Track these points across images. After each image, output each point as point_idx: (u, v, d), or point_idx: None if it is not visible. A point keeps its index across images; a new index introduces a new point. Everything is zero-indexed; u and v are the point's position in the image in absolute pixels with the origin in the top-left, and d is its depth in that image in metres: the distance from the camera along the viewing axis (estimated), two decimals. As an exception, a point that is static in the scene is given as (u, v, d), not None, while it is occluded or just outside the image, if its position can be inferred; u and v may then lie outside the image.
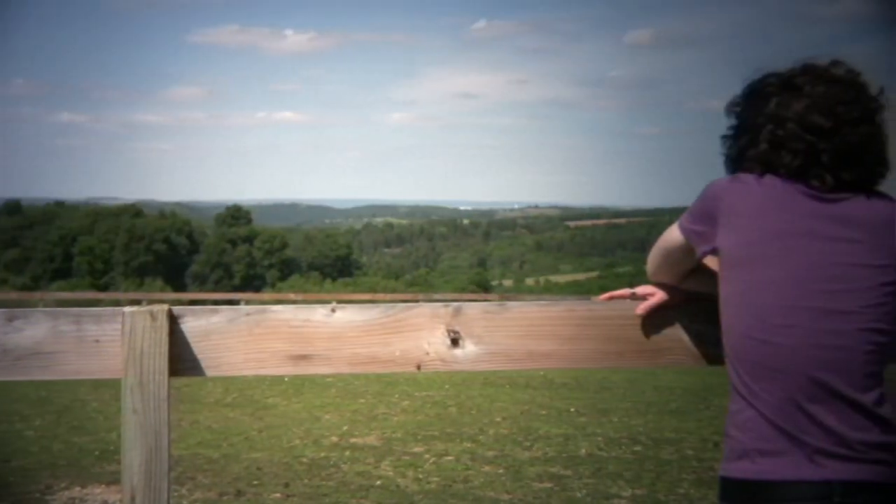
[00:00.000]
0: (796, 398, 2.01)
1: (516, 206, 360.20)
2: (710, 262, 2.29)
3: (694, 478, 6.75)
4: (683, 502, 6.18)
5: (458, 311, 2.41)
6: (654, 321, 2.47)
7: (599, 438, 8.25)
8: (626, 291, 2.51)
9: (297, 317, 2.36)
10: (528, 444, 8.07)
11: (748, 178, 2.15)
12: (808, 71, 2.20)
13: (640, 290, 2.49)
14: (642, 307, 2.44)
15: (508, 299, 4.24)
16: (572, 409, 9.93)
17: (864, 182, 2.15)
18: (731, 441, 2.10)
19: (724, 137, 2.32)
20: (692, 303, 2.46)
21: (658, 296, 2.43)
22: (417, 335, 2.39)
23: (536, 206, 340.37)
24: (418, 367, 2.40)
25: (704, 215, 2.18)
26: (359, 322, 2.37)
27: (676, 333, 2.48)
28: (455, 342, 2.40)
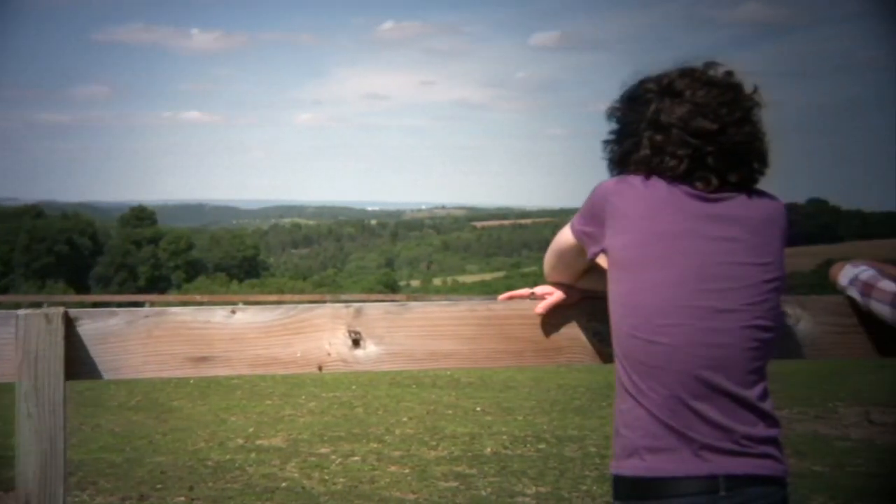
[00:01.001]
0: (682, 396, 2.04)
1: (424, 207, 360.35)
2: (603, 261, 2.30)
3: (596, 474, 6.85)
4: (586, 499, 6.27)
5: (359, 312, 2.42)
6: (552, 320, 2.50)
7: (504, 437, 8.33)
8: (525, 291, 2.54)
9: (197, 318, 2.34)
10: (434, 443, 8.11)
11: (635, 180, 2.17)
12: (686, 74, 2.22)
13: (539, 289, 2.51)
14: (541, 306, 2.46)
15: (416, 300, 4.26)
16: (478, 409, 10.00)
17: (747, 181, 2.19)
18: (621, 439, 2.12)
19: (606, 142, 2.32)
20: (589, 301, 2.50)
21: (556, 295, 2.46)
22: (319, 336, 2.39)
23: (444, 207, 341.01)
24: (320, 368, 2.40)
25: (593, 217, 2.20)
26: (259, 323, 2.36)
27: (574, 332, 2.51)
28: (356, 343, 2.41)
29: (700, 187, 2.14)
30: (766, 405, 2.10)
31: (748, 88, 2.23)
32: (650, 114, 2.20)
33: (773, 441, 2.08)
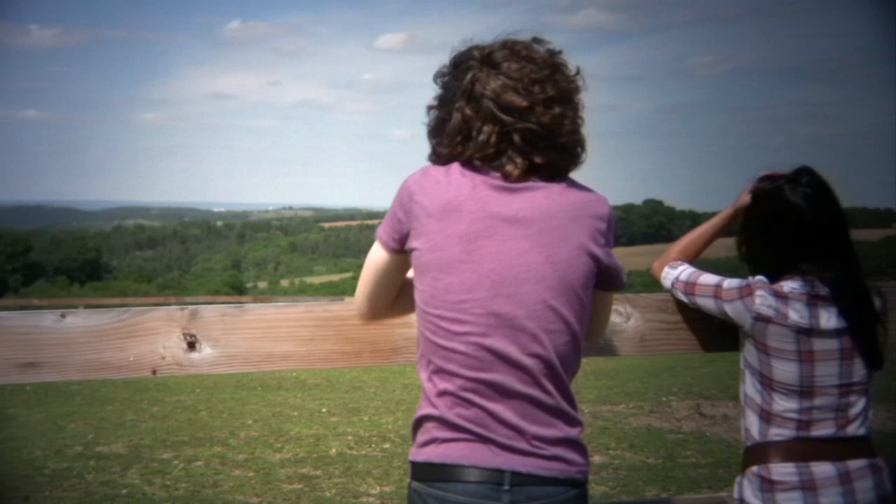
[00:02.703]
0: (476, 399, 2.07)
1: (270, 208, 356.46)
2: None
3: (440, 472, 6.92)
4: (430, 497, 6.33)
5: (194, 315, 2.41)
6: (391, 321, 2.53)
7: (350, 438, 8.34)
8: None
9: (24, 323, 2.29)
10: (278, 445, 8.06)
11: (437, 173, 2.13)
12: (507, 47, 2.15)
13: None
14: None
15: (263, 301, 4.24)
16: (324, 410, 9.98)
17: (558, 167, 2.15)
18: (420, 428, 2.17)
19: (429, 107, 2.25)
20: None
21: None
22: (153, 339, 2.37)
23: (291, 208, 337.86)
24: (154, 372, 2.37)
25: (404, 215, 2.14)
26: (91, 327, 2.33)
27: (411, 332, 2.54)
28: (192, 346, 2.40)
29: (507, 172, 2.09)
30: (565, 406, 2.12)
31: (571, 70, 2.19)
32: (466, 83, 2.14)
33: (567, 442, 2.11)
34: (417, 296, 2.14)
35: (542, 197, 2.11)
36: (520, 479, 2.05)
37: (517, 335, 2.07)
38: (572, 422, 2.13)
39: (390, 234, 2.18)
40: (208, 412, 10.03)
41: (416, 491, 2.14)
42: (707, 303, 2.62)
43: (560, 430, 2.10)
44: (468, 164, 2.13)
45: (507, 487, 2.04)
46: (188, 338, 2.39)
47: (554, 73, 2.14)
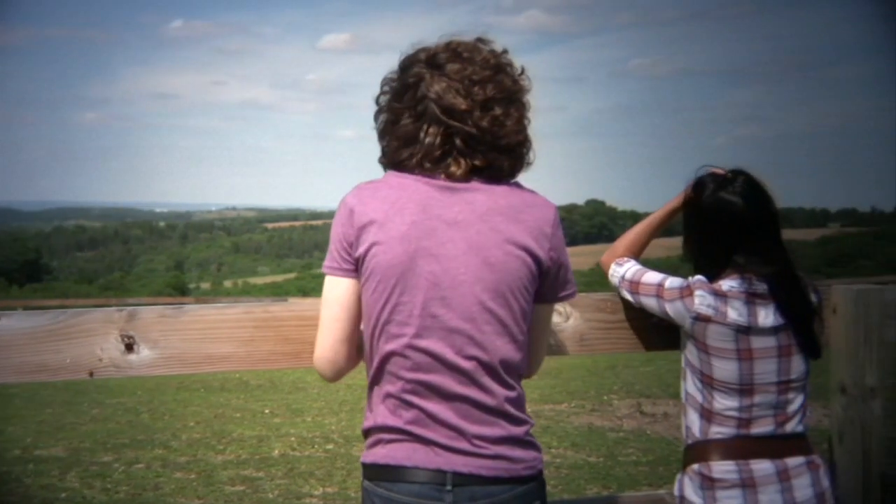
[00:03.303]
0: (417, 401, 2.10)
1: (214, 209, 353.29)
2: None
3: (383, 473, 6.93)
4: (372, 497, 6.34)
5: (132, 316, 2.40)
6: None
7: (293, 439, 8.32)
8: None
9: (-42, 325, 2.27)
10: (221, 447, 8.02)
11: (371, 186, 2.15)
12: (451, 48, 2.16)
13: None
14: None
15: (204, 302, 4.22)
16: (267, 411, 9.94)
17: (502, 169, 2.16)
18: (368, 431, 2.21)
19: (377, 112, 2.24)
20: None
21: None
22: (90, 341, 2.36)
23: (234, 208, 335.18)
24: (91, 374, 2.36)
25: (346, 235, 2.15)
26: (27, 329, 2.31)
27: (351, 333, 2.57)
28: (129, 347, 2.39)
29: (451, 173, 2.11)
30: (508, 407, 2.13)
31: (515, 70, 2.20)
32: (413, 85, 2.15)
33: (511, 440, 2.13)
34: (363, 298, 2.15)
35: (482, 199, 2.12)
36: (462, 479, 2.07)
37: (453, 337, 2.09)
38: (517, 421, 2.15)
39: (342, 258, 2.16)
40: (150, 414, 9.95)
41: (366, 489, 2.18)
42: (650, 302, 2.66)
43: (503, 429, 2.12)
44: (405, 169, 2.15)
45: (448, 488, 2.07)
46: (126, 339, 2.39)
47: (497, 74, 2.15)
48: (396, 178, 2.15)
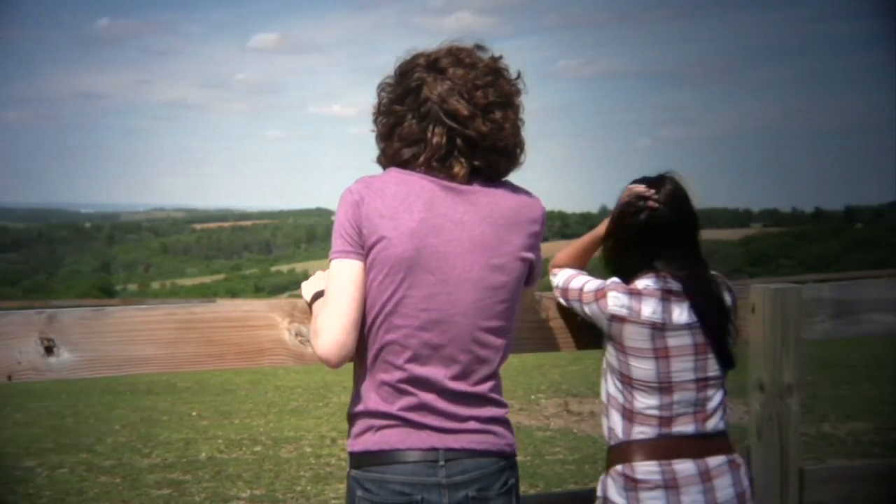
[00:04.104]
0: (410, 387, 2.24)
1: (141, 209, 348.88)
2: None
3: (311, 474, 6.91)
4: (301, 499, 6.32)
5: (52, 319, 2.38)
6: (255, 322, 2.55)
7: (220, 441, 8.24)
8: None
9: None
10: (147, 450, 7.92)
11: (378, 180, 2.26)
12: (452, 53, 2.29)
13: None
14: None
15: (131, 304, 4.17)
16: (194, 413, 9.84)
17: (498, 168, 2.31)
18: (356, 420, 2.31)
19: (376, 115, 2.37)
20: (289, 303, 2.58)
21: None
22: (8, 344, 2.34)
23: (162, 209, 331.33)
24: (9, 378, 2.34)
25: (352, 225, 2.22)
26: (-57, 333, 2.28)
27: (276, 334, 2.56)
28: (49, 350, 2.37)
29: (455, 173, 2.24)
30: (493, 394, 2.30)
31: (511, 75, 2.33)
32: (415, 88, 2.27)
33: (495, 420, 2.30)
34: (366, 289, 2.24)
35: (486, 201, 2.27)
36: (454, 454, 2.23)
37: (453, 332, 2.23)
38: (500, 404, 2.33)
39: (352, 242, 2.23)
40: (74, 418, 9.79)
41: (354, 479, 2.28)
42: (575, 306, 2.71)
43: (489, 411, 2.29)
44: (408, 167, 2.27)
45: (441, 463, 2.22)
46: (45, 342, 2.36)
47: (497, 79, 2.28)
48: (401, 174, 2.26)
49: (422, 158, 2.25)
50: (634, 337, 2.60)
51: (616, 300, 2.61)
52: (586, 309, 2.67)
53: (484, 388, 2.29)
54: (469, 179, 2.26)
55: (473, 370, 2.27)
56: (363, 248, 2.22)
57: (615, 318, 2.60)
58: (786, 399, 2.94)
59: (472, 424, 2.26)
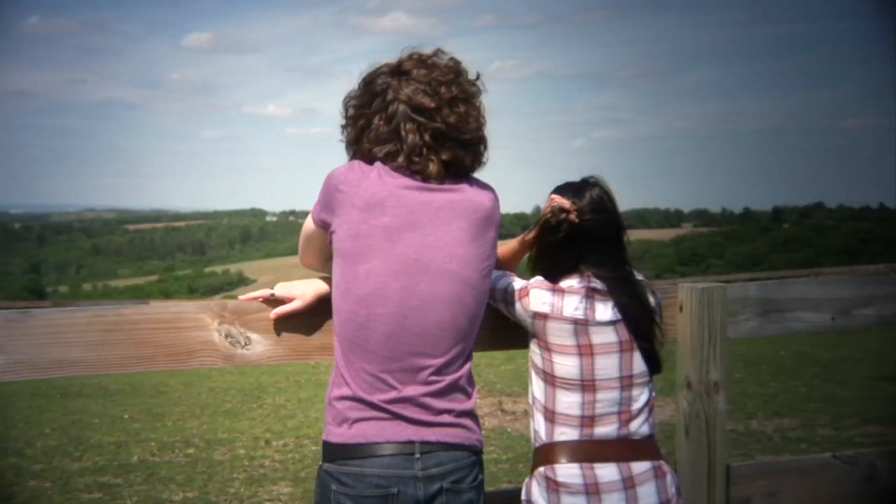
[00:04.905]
0: (386, 376, 2.30)
1: (72, 210, 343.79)
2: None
3: (245, 476, 6.87)
4: (234, 501, 6.28)
5: (-23, 321, 2.35)
6: (184, 323, 2.54)
7: (153, 444, 8.16)
8: (265, 293, 2.62)
9: None
10: (77, 454, 7.81)
11: (363, 168, 2.35)
12: (414, 57, 2.43)
13: (279, 291, 2.60)
14: (275, 313, 2.58)
15: (62, 305, 4.12)
16: (126, 416, 9.72)
17: (464, 164, 2.42)
18: (332, 410, 2.36)
19: (343, 126, 2.49)
20: (219, 304, 2.57)
21: (294, 304, 2.57)
22: (-70, 348, 2.30)
23: (93, 210, 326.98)
24: (-69, 381, 2.31)
25: (326, 204, 2.36)
26: None
27: (206, 335, 2.56)
28: (-26, 353, 2.34)
29: (427, 171, 2.34)
30: (464, 382, 2.39)
31: (472, 75, 2.46)
32: (381, 92, 2.40)
33: (467, 413, 2.38)
34: (337, 277, 2.35)
35: (458, 199, 2.37)
36: (429, 447, 2.30)
37: (432, 317, 2.32)
38: (469, 395, 2.41)
39: (318, 212, 2.41)
40: (2, 422, 9.61)
41: (327, 472, 2.33)
42: (501, 307, 2.71)
43: (461, 403, 2.38)
44: (389, 167, 2.35)
45: (417, 456, 2.29)
46: (-30, 345, 2.33)
47: (458, 77, 2.42)
48: (383, 171, 2.35)
49: (401, 158, 2.35)
50: (557, 333, 2.61)
51: (538, 297, 2.62)
52: (511, 308, 2.67)
53: (457, 377, 2.37)
54: (441, 178, 2.37)
55: (452, 361, 2.36)
56: (325, 225, 2.40)
57: (538, 316, 2.62)
58: (712, 396, 2.98)
59: (446, 417, 2.34)
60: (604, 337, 2.61)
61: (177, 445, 8.07)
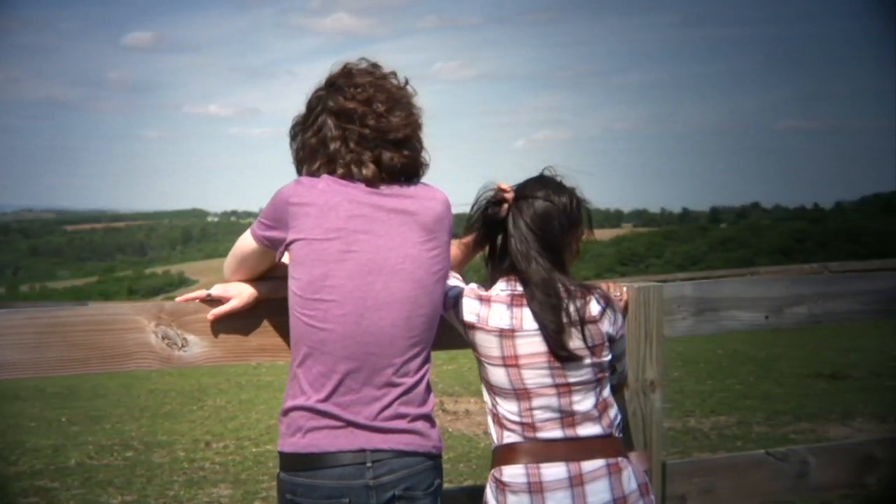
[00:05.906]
0: (340, 380, 2.32)
1: (9, 210, 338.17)
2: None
3: (185, 479, 6.82)
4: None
5: None
6: (121, 325, 2.52)
7: (90, 447, 8.06)
8: (202, 293, 2.61)
9: None
10: (13, 458, 7.70)
11: (311, 182, 2.39)
12: (344, 72, 2.51)
13: (216, 291, 2.60)
14: (213, 313, 2.58)
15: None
16: (63, 419, 9.60)
17: (404, 168, 2.46)
18: (286, 419, 2.37)
19: (295, 150, 2.56)
20: (156, 306, 2.56)
21: (232, 303, 2.58)
22: None
23: (31, 210, 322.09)
24: None
25: (276, 221, 2.39)
26: None
27: (142, 337, 2.55)
28: None
29: (365, 177, 2.39)
30: (420, 387, 2.40)
31: (399, 80, 2.53)
32: (319, 108, 2.48)
33: (422, 417, 2.40)
34: (294, 284, 2.36)
35: (409, 203, 2.43)
36: (381, 455, 2.32)
37: (388, 316, 2.35)
38: (425, 399, 2.42)
39: (264, 231, 2.43)
40: (-64, 426, 9.47)
41: (283, 481, 2.36)
42: (444, 312, 2.70)
43: (417, 407, 2.39)
44: (335, 177, 2.40)
45: (369, 465, 2.30)
46: None
47: (379, 80, 2.49)
48: (332, 180, 2.39)
49: (340, 168, 2.41)
50: (485, 344, 2.58)
51: (466, 307, 2.61)
52: (448, 315, 2.64)
53: (414, 381, 2.40)
54: (378, 184, 2.42)
55: (407, 364, 2.39)
56: (273, 243, 2.43)
57: (467, 326, 2.61)
58: (649, 395, 3.02)
59: (400, 423, 2.36)
60: (530, 347, 2.55)
61: (115, 448, 7.98)
